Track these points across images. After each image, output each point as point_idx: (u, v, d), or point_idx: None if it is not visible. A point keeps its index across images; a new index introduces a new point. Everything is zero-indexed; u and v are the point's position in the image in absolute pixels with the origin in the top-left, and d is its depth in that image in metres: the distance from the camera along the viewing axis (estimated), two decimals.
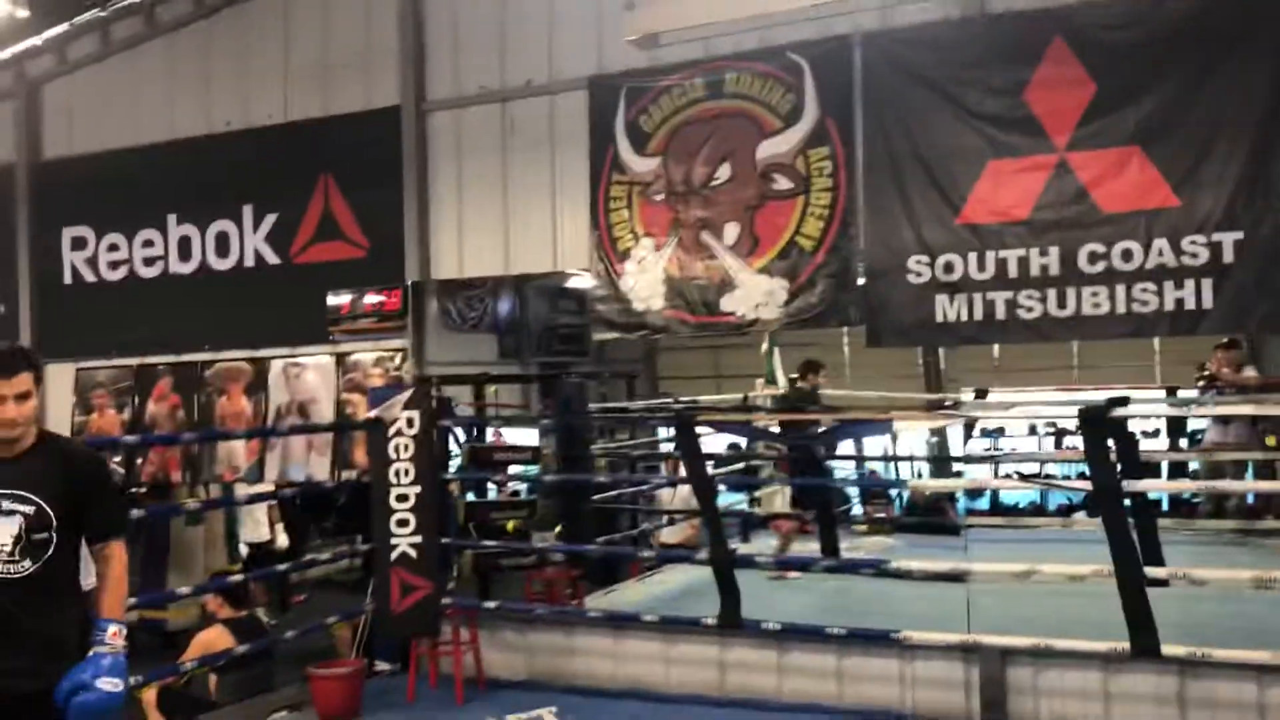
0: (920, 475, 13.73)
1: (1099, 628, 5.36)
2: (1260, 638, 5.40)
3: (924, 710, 5.66)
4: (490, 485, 9.40)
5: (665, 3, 7.91)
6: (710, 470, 7.19)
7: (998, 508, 13.43)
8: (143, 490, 10.96)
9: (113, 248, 10.77)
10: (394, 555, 6.33)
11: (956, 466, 13.07)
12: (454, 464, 8.06)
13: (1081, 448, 5.56)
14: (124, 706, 3.28)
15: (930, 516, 10.98)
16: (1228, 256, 6.68)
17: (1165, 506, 11.24)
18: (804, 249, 7.79)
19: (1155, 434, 13.17)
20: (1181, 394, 10.72)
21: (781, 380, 12.23)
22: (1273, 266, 6.62)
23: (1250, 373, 9.53)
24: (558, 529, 8.15)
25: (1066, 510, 12.48)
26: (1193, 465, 11.19)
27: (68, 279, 10.99)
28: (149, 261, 10.59)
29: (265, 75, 10.08)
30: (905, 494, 11.82)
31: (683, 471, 7.66)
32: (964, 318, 7.32)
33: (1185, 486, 11.26)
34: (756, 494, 11.39)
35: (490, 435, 11.22)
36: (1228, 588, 6.16)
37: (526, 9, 8.98)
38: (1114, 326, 7.03)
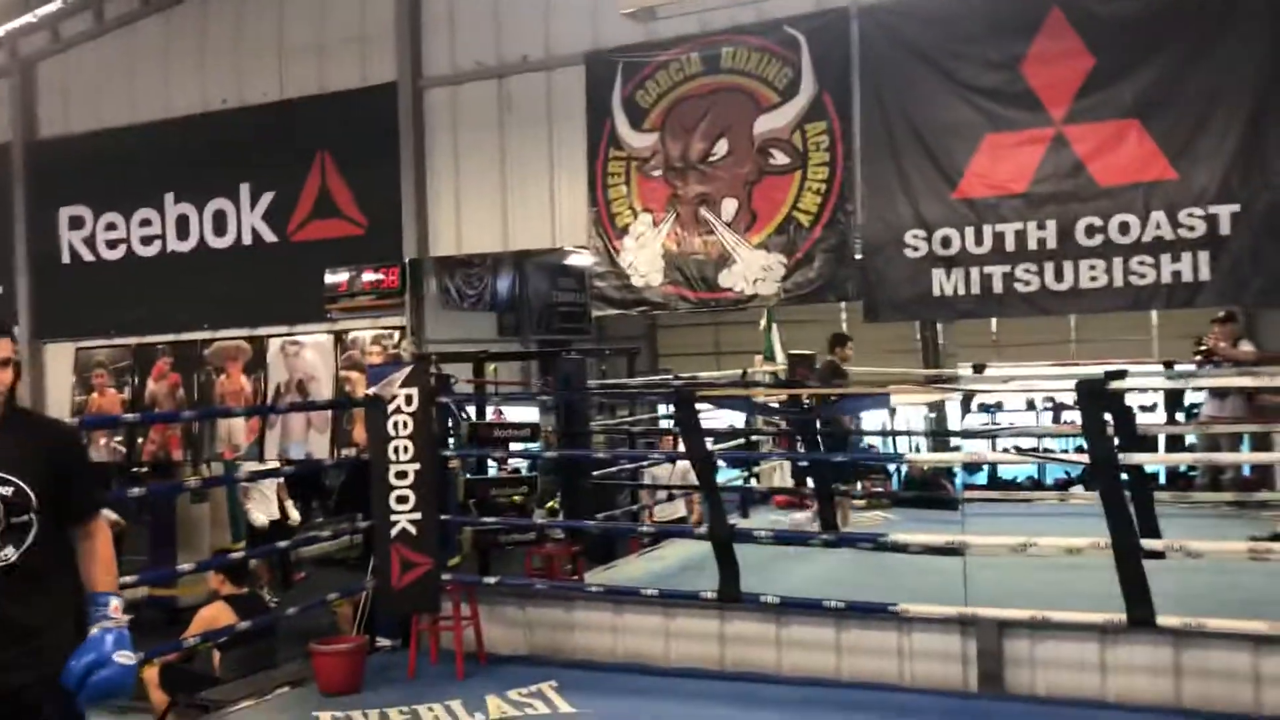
0: (918, 450, 13.78)
1: (1095, 600, 5.40)
2: (1255, 608, 5.44)
3: (922, 683, 5.71)
4: (490, 462, 9.44)
5: None
6: (710, 446, 7.21)
7: (995, 482, 13.50)
8: (144, 470, 11.02)
9: (110, 227, 10.75)
10: (394, 532, 6.36)
11: (954, 441, 13.11)
12: (453, 441, 8.07)
13: (1079, 422, 5.58)
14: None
15: (928, 491, 11.02)
16: (1224, 229, 6.68)
17: (1162, 479, 11.28)
18: (801, 224, 7.78)
19: (1152, 408, 13.21)
20: (1178, 368, 10.74)
21: (780, 356, 12.27)
22: (1268, 240, 6.61)
23: (1247, 347, 9.54)
24: (550, 505, 8.19)
25: (1064, 484, 12.54)
26: (1189, 439, 11.23)
27: (65, 259, 10.98)
28: (147, 240, 10.57)
29: (261, 52, 10.03)
30: (903, 469, 11.86)
31: (681, 447, 7.69)
32: (961, 292, 7.32)
33: (1182, 459, 11.31)
34: (755, 469, 11.45)
35: (490, 412, 11.26)
36: (1223, 559, 6.20)
37: None
38: (1111, 299, 7.03)
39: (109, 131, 10.69)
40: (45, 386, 11.05)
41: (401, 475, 6.38)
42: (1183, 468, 11.43)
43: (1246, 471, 9.75)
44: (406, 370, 6.51)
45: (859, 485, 9.94)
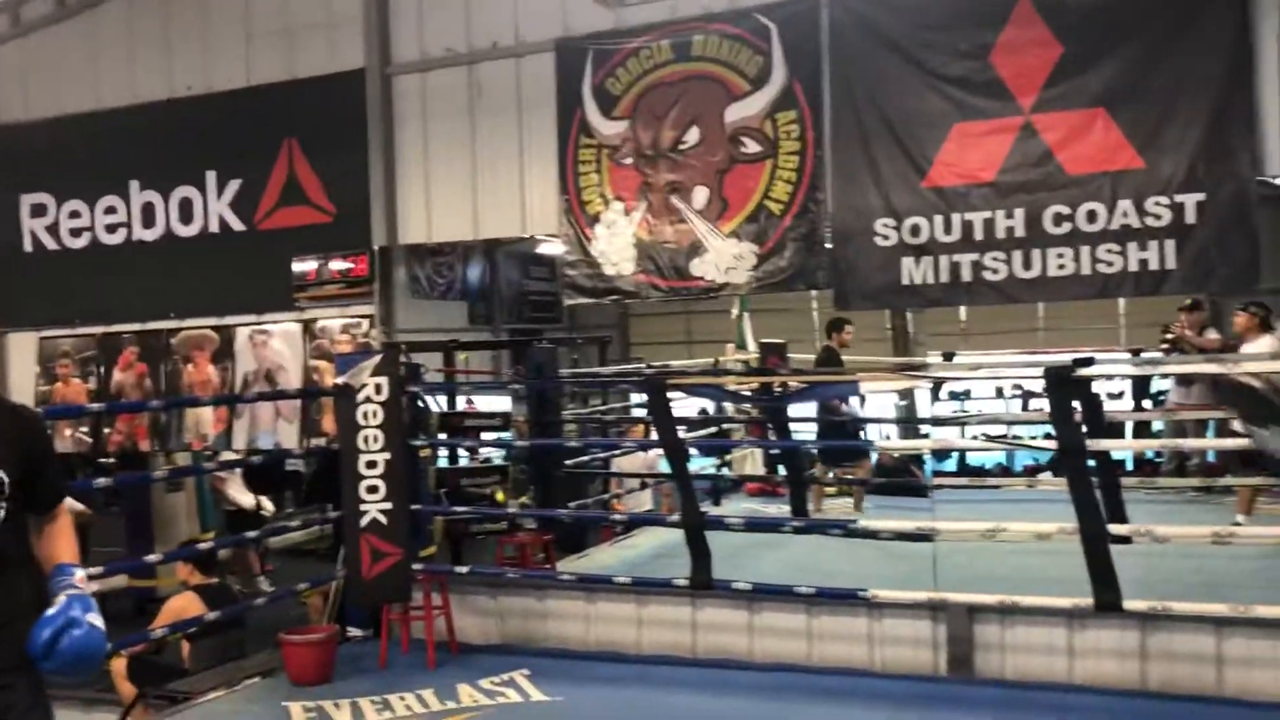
0: (888, 437, 13.87)
1: (1063, 584, 5.47)
2: (1219, 591, 5.53)
3: (892, 667, 5.75)
4: (462, 451, 9.40)
5: None
6: (682, 434, 7.23)
7: (965, 469, 13.61)
8: (111, 460, 10.89)
9: (74, 215, 10.59)
10: (364, 522, 6.34)
11: (924, 428, 13.20)
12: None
13: (1047, 409, 5.63)
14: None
15: (898, 478, 11.09)
16: (1190, 218, 6.74)
17: (1129, 466, 11.41)
18: (772, 212, 7.79)
19: (1120, 395, 13.36)
20: (1145, 356, 10.86)
21: (751, 344, 12.31)
22: (1233, 228, 6.68)
23: (1213, 335, 9.69)
24: (524, 500, 8.18)
25: (1032, 470, 12.65)
26: (1156, 425, 11.36)
27: (28, 247, 10.80)
28: (111, 229, 10.43)
29: (227, 38, 9.90)
30: (874, 456, 11.92)
31: (653, 435, 7.70)
32: (930, 280, 7.36)
33: (1148, 445, 11.45)
34: (728, 457, 11.48)
35: (461, 402, 11.21)
36: (1189, 544, 6.29)
37: None
38: (1079, 287, 7.08)
39: (72, 118, 10.53)
40: (8, 377, 10.90)
41: (371, 465, 6.35)
42: (1149, 454, 11.56)
43: (1211, 458, 9.89)
44: (376, 359, 6.47)
45: (830, 473, 9.99)
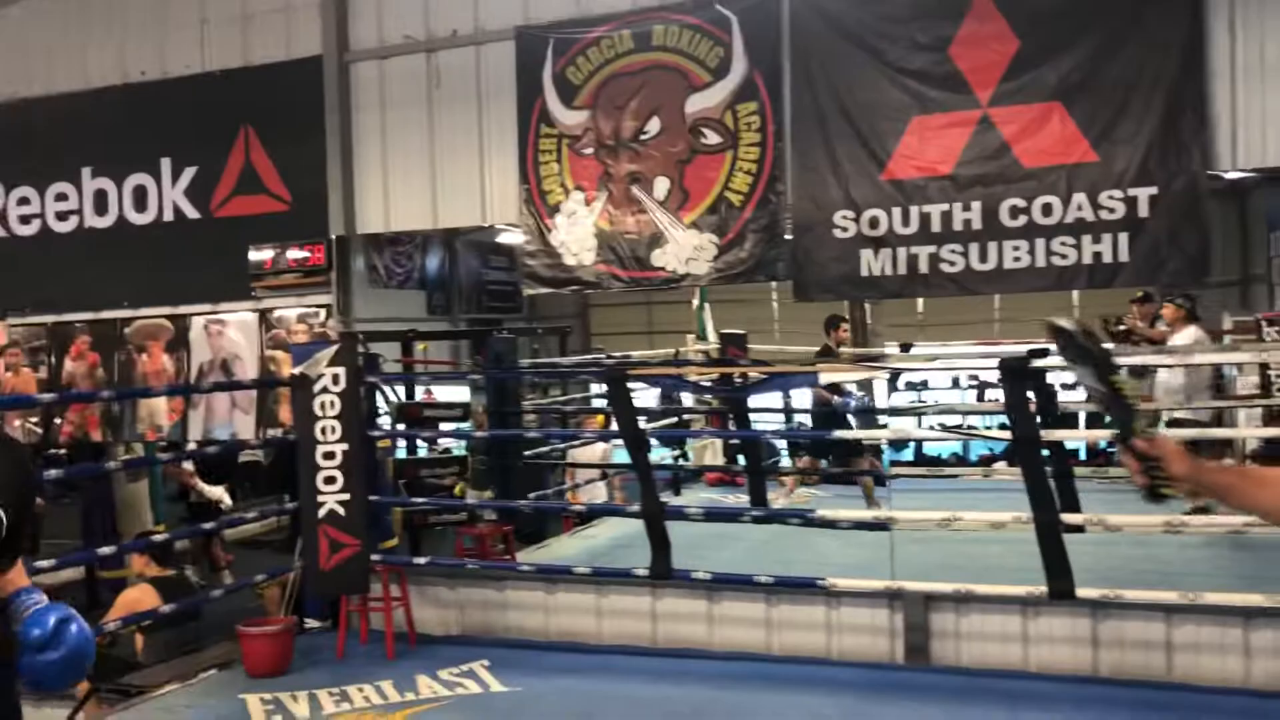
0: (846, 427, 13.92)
1: (1018, 573, 5.54)
2: (1169, 579, 5.63)
3: (850, 656, 5.81)
4: (421, 442, 9.35)
5: None
6: (642, 424, 7.23)
7: (921, 458, 13.73)
8: (63, 451, 10.71)
9: (23, 201, 10.40)
10: (322, 513, 6.29)
11: (881, 419, 13.29)
12: (383, 421, 7.98)
13: (1002, 399, 5.70)
14: None
15: (856, 468, 11.16)
16: (1143, 211, 6.84)
17: (1082, 455, 11.58)
18: (733, 204, 7.81)
19: (1074, 386, 13.52)
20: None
21: (712, 335, 12.33)
22: (1184, 222, 6.79)
23: (1163, 326, 9.82)
24: (485, 494, 8.16)
25: (987, 460, 12.79)
26: (1109, 416, 11.51)
27: None
28: (62, 216, 10.24)
29: (182, 23, 9.74)
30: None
31: (614, 426, 7.69)
32: (888, 272, 7.41)
33: (1101, 436, 11.60)
34: (687, 448, 11.51)
35: (420, 392, 11.15)
36: (1140, 533, 6.40)
37: None
38: (1034, 279, 7.16)
39: (22, 102, 10.32)
40: None
41: (329, 456, 6.30)
42: (1102, 444, 11.73)
43: None
44: (333, 349, 6.42)
45: (791, 461, 10.04)
